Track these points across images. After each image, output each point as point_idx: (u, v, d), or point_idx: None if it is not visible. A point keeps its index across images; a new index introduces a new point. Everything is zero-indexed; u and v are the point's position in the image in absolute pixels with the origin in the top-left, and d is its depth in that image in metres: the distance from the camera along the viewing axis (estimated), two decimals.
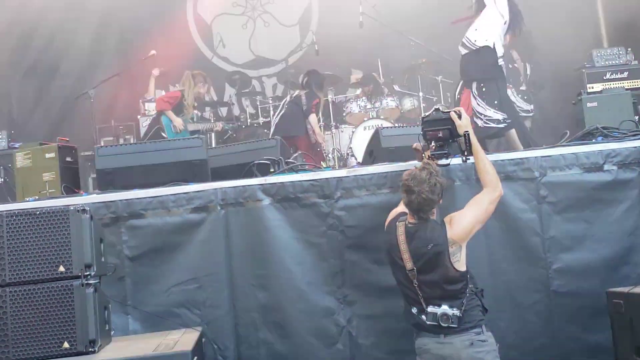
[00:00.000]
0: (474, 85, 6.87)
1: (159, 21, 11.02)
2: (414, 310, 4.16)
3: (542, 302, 4.98)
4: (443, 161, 4.49)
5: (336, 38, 9.52)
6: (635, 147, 5.16)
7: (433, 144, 4.53)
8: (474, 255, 4.62)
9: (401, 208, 4.39)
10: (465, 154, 4.48)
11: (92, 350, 3.80)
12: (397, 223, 4.24)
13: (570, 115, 7.65)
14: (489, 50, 6.71)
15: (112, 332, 4.39)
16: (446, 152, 4.47)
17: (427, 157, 4.52)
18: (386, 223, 4.47)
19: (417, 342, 4.19)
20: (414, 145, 4.79)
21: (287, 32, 11.87)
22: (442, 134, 4.42)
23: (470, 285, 4.11)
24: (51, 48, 10.45)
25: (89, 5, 10.54)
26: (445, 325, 4.05)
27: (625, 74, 7.82)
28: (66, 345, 3.76)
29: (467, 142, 4.36)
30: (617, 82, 7.71)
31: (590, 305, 4.88)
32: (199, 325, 4.78)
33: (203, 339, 4.57)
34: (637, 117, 6.60)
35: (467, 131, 4.40)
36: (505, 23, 6.93)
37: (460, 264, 4.03)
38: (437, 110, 4.49)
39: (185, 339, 4.12)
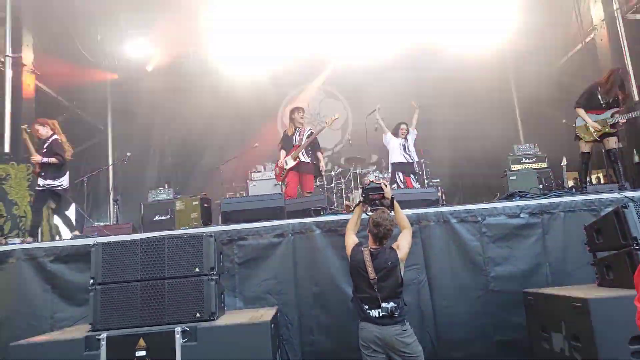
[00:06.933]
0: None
1: (261, 123, 11.94)
2: (365, 307, 3.93)
3: (484, 296, 5.06)
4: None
5: (362, 136, 9.43)
6: (539, 203, 5.10)
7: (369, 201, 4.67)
8: (442, 267, 4.83)
9: (352, 241, 4.26)
10: (390, 209, 4.55)
11: (213, 318, 3.83)
12: (361, 249, 4.13)
13: (500, 183, 7.50)
14: None
15: (225, 308, 4.38)
16: (379, 207, 4.36)
17: (362, 210, 4.59)
18: (349, 251, 4.22)
19: (361, 324, 3.99)
20: (346, 202, 4.68)
21: (335, 133, 12.99)
22: (378, 196, 4.39)
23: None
24: (200, 142, 10.91)
25: (221, 119, 11.04)
26: (396, 314, 3.82)
27: (534, 159, 7.59)
28: (198, 315, 3.71)
29: (391, 202, 4.52)
30: (528, 164, 7.49)
31: (513, 299, 5.00)
32: (276, 305, 4.71)
33: (278, 314, 4.51)
34: (540, 186, 6.35)
35: (393, 196, 4.57)
36: None
37: (402, 275, 3.92)
38: (372, 182, 4.40)
39: (267, 313, 4.15)
